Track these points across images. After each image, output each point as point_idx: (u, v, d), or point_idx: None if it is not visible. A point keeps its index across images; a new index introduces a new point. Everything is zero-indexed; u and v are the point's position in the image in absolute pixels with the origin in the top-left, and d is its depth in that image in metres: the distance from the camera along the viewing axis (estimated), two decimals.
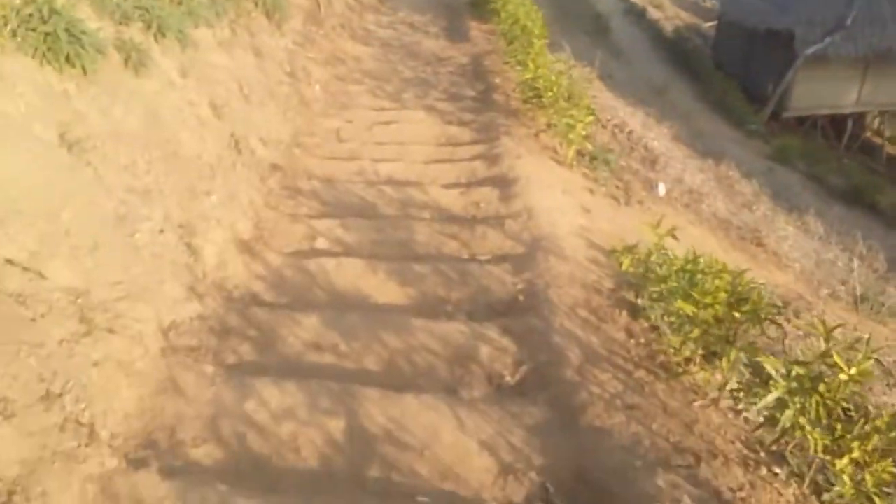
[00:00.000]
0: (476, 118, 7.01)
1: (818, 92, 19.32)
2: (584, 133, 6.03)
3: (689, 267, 3.41)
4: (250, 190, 4.89)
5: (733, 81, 19.92)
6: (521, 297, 4.01)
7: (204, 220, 4.14)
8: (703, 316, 3.17)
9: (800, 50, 18.08)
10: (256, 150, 5.41)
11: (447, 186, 5.52)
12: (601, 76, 11.51)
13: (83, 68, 3.85)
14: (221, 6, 6.48)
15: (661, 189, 6.23)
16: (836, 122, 20.07)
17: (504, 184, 5.47)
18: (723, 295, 3.13)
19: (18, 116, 3.32)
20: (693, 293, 3.19)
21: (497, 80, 8.18)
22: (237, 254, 4.18)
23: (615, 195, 5.91)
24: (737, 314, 3.08)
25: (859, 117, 20.68)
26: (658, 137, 8.45)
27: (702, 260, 3.45)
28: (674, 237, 3.94)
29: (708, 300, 3.13)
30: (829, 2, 18.35)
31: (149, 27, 4.90)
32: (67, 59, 3.73)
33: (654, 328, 3.85)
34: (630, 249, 3.98)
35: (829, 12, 18.29)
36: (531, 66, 6.68)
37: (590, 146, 6.13)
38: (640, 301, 4.04)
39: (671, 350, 3.58)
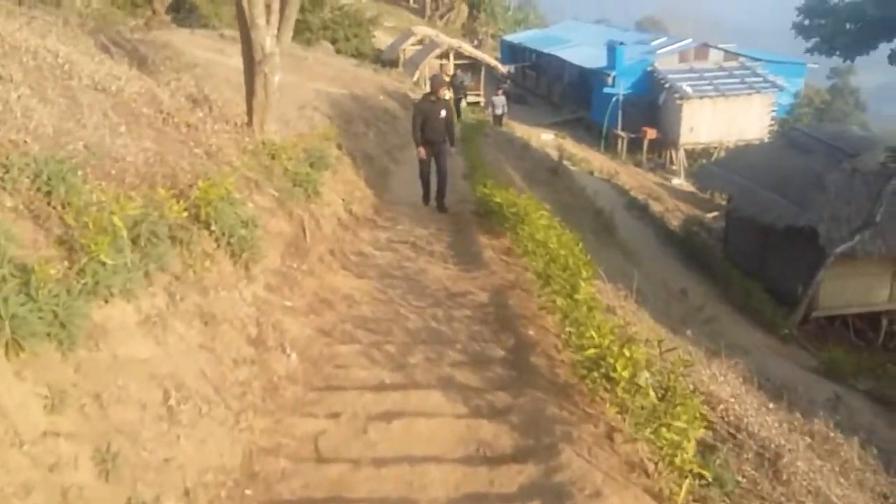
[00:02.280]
0: (514, 402, 4.93)
1: (848, 290, 18.06)
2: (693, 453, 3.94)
3: None
4: None
5: (753, 280, 18.47)
6: None
7: None
8: None
9: (827, 248, 16.81)
10: None
11: None
12: (632, 295, 9.72)
13: None
14: (160, 259, 4.59)
15: None
16: (869, 320, 18.58)
17: None
18: None
19: None
20: None
21: (530, 332, 6.22)
22: None
23: None
24: None
25: (894, 314, 19.22)
26: (740, 398, 6.39)
27: None
28: None
29: None
30: (851, 198, 17.43)
31: None
32: None
33: None
34: None
35: (853, 208, 17.30)
36: (593, 334, 4.73)
37: (706, 473, 3.99)
38: None
39: None
